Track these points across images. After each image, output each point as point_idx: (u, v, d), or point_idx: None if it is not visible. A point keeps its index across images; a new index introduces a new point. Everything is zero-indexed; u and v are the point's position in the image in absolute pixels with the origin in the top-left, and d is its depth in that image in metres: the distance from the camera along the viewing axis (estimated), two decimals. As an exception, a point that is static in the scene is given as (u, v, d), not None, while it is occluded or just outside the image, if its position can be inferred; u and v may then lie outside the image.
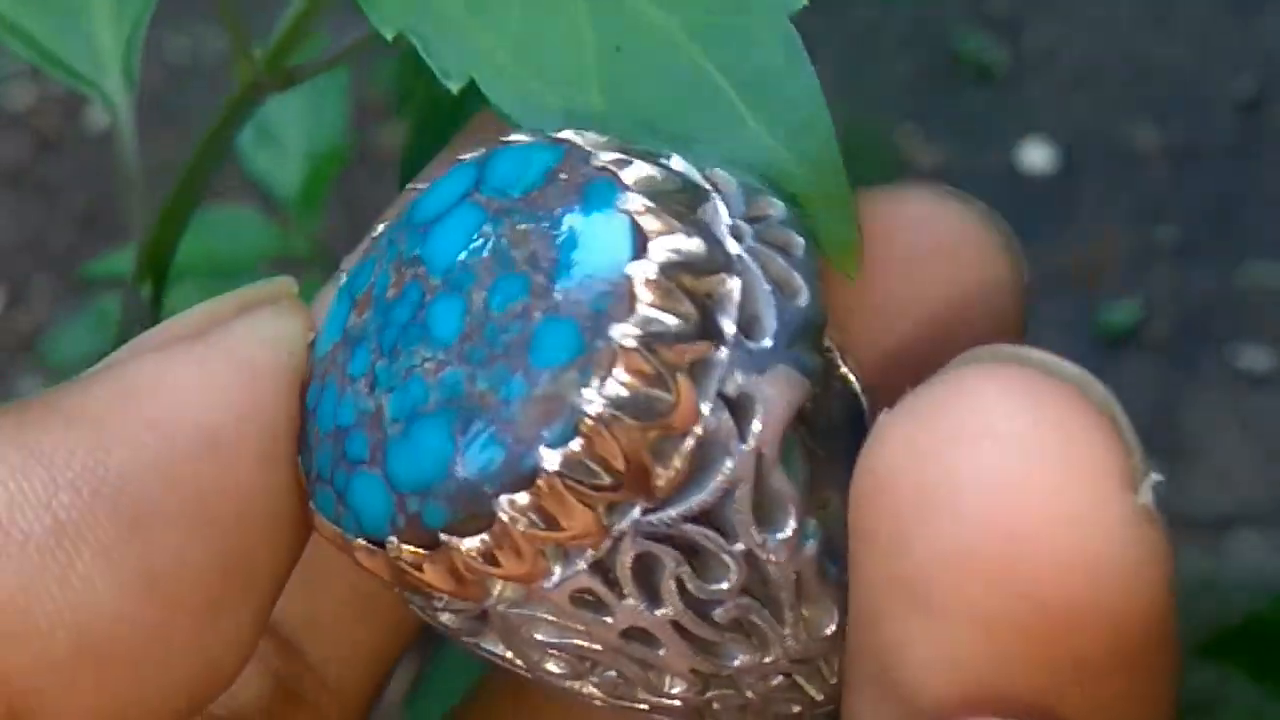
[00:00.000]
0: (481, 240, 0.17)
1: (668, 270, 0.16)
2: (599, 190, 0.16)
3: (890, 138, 0.95)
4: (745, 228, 0.17)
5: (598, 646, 0.17)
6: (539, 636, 0.17)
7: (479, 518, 0.16)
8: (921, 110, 0.99)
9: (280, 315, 0.17)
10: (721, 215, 0.17)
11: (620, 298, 0.16)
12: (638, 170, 0.17)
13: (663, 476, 0.16)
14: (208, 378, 0.17)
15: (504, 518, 0.16)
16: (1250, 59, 0.99)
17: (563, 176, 0.17)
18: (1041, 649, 0.14)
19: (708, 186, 0.17)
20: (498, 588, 0.17)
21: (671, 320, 0.16)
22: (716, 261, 0.16)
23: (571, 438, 0.16)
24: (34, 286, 0.95)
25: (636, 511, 0.16)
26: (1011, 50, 1.01)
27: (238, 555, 0.17)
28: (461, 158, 0.18)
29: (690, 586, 0.17)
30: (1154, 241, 0.94)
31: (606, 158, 0.17)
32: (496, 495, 0.16)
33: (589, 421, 0.16)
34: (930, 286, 0.18)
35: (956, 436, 0.14)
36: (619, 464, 0.16)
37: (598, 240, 0.16)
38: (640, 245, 0.16)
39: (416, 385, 0.17)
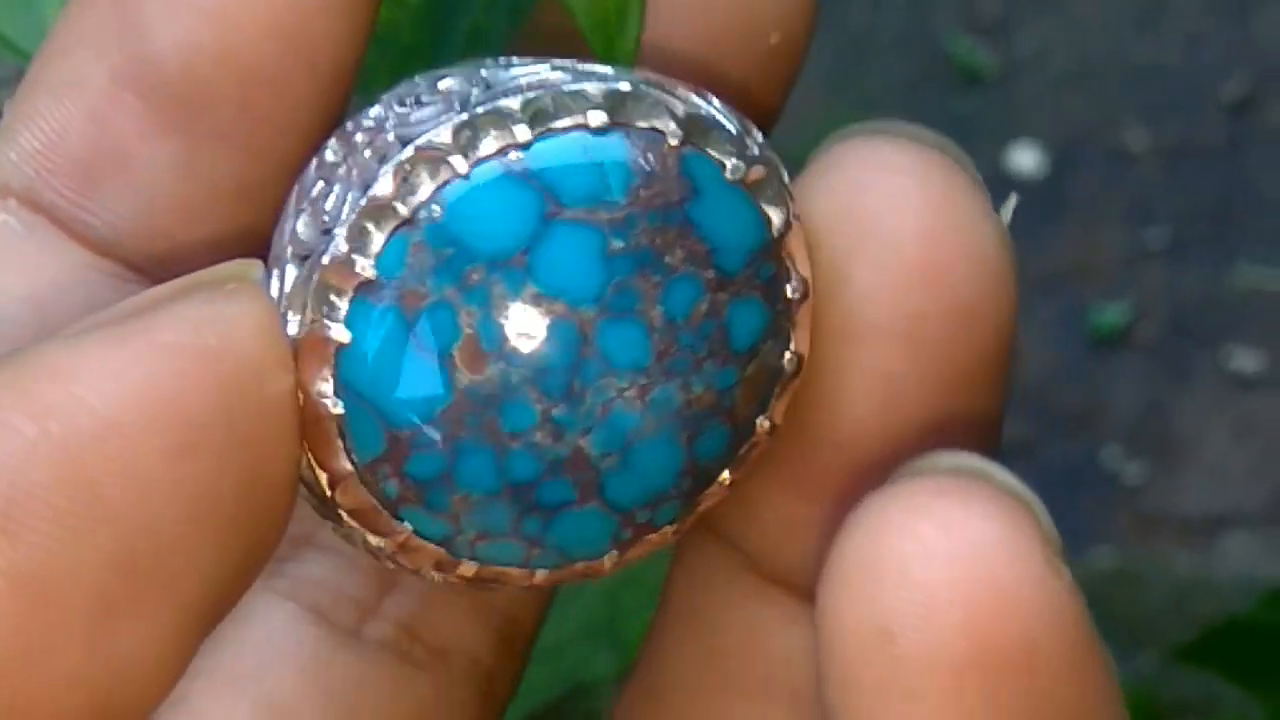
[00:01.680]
0: (619, 257, 0.17)
1: (791, 221, 0.18)
2: (697, 167, 0.17)
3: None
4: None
5: None
6: None
7: (705, 494, 0.18)
8: (912, 113, 0.99)
9: (220, 299, 0.16)
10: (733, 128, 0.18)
11: (779, 261, 0.17)
12: (691, 124, 0.17)
13: None
14: (114, 362, 0.16)
15: (725, 484, 0.18)
16: (1240, 60, 0.99)
17: (649, 162, 0.17)
18: (952, 345, 0.18)
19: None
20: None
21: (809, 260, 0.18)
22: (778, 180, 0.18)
23: (776, 400, 0.18)
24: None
25: None
26: (1001, 53, 1.02)
27: (141, 553, 0.15)
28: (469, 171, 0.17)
29: None
30: (1145, 243, 0.94)
31: (667, 128, 0.17)
32: (721, 471, 0.17)
33: (789, 383, 0.18)
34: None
35: (870, 189, 0.18)
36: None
37: (732, 219, 0.17)
38: (760, 207, 0.18)
39: (622, 418, 0.17)
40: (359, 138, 0.18)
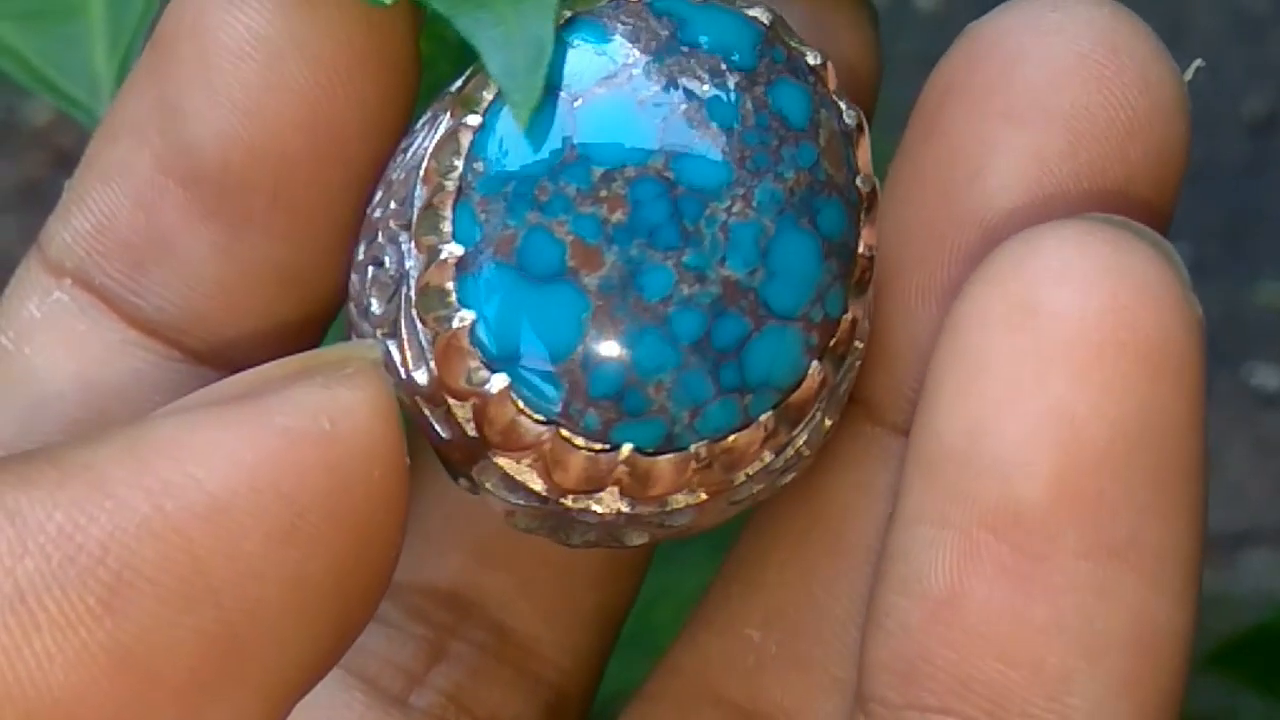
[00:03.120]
0: (651, 103, 0.17)
1: (772, 14, 0.18)
2: (665, 4, 0.18)
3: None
4: None
5: None
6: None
7: (857, 272, 0.18)
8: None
9: (339, 383, 0.16)
10: None
11: (783, 44, 0.18)
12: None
13: None
14: (230, 443, 0.15)
15: (865, 254, 0.18)
16: (1262, 79, 0.99)
17: (626, 20, 0.18)
18: (1110, 149, 0.18)
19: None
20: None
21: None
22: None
23: (857, 160, 0.18)
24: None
25: None
26: (1024, 71, 1.02)
27: (238, 635, 0.15)
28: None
29: None
30: (1166, 261, 0.94)
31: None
32: (856, 243, 0.18)
33: (858, 139, 0.18)
34: None
35: (1059, 5, 0.18)
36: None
37: (722, 28, 0.18)
38: (740, 11, 0.18)
39: (743, 230, 0.17)
40: (376, 215, 0.18)
